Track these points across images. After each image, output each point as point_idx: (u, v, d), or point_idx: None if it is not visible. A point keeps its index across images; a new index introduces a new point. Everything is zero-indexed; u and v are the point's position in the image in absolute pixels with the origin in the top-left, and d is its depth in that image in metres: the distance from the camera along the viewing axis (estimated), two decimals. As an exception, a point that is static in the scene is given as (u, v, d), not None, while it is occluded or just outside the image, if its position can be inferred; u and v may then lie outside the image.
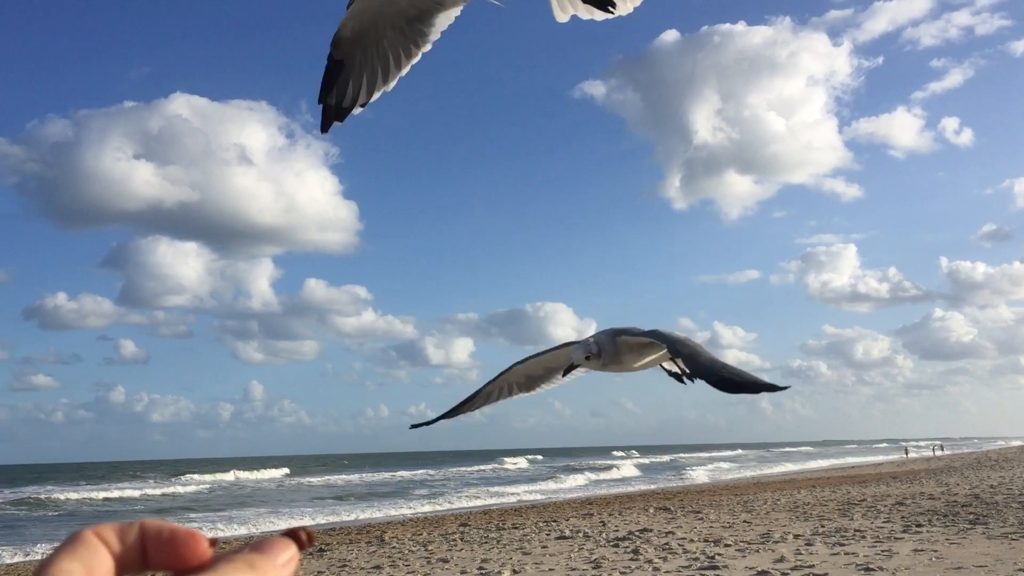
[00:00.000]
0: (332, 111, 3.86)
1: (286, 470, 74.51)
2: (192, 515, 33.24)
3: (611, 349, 4.50)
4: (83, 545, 0.68)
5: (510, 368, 4.90)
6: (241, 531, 25.40)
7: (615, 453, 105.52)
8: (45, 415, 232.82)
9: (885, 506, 18.79)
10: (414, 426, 4.84)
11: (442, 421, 4.68)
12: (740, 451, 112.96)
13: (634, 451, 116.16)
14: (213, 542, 0.73)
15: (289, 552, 0.72)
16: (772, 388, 3.53)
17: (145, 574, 0.68)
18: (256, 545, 0.73)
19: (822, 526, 15.48)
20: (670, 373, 4.94)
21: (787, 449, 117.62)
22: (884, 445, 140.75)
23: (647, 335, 4.34)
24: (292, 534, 0.75)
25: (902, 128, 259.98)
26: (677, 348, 3.94)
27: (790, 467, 62.11)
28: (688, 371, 4.22)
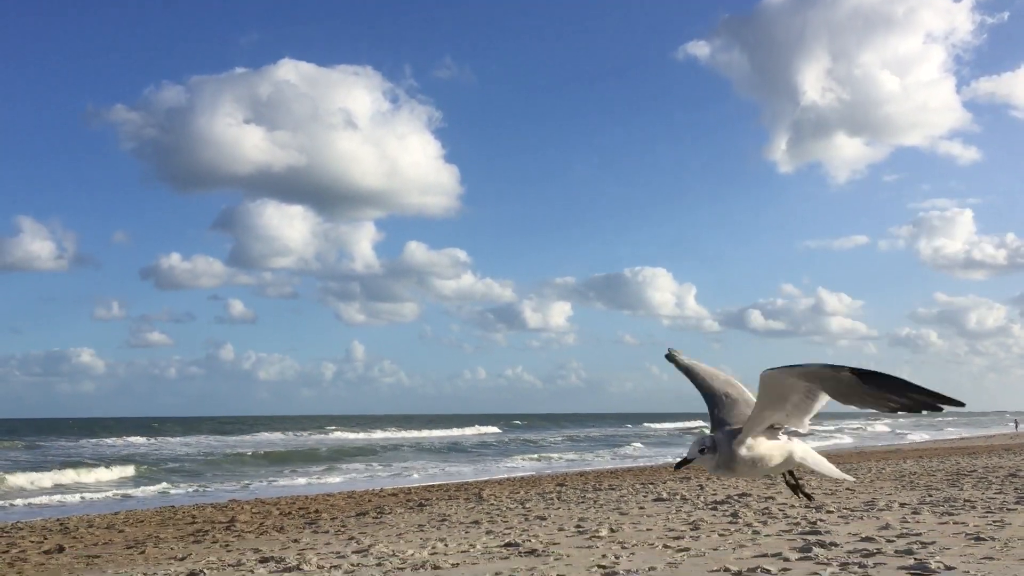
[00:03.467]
0: None
1: (495, 428, 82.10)
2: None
3: (727, 451, 4.07)
4: None
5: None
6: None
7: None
8: (160, 371, 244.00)
9: (997, 477, 18.13)
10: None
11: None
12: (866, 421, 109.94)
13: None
14: None
15: None
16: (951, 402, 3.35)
17: None
18: None
19: (929, 495, 15.06)
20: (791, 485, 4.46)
21: (885, 420, 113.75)
22: (995, 418, 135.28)
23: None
24: None
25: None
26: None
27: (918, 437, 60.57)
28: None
